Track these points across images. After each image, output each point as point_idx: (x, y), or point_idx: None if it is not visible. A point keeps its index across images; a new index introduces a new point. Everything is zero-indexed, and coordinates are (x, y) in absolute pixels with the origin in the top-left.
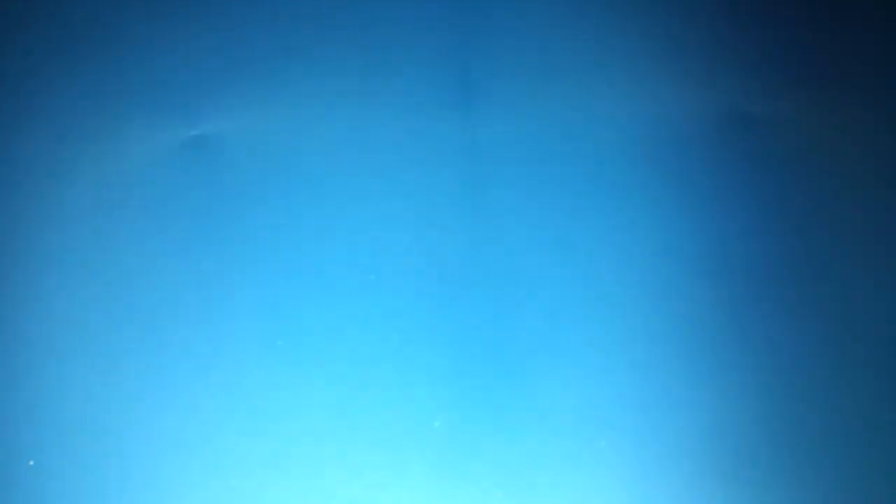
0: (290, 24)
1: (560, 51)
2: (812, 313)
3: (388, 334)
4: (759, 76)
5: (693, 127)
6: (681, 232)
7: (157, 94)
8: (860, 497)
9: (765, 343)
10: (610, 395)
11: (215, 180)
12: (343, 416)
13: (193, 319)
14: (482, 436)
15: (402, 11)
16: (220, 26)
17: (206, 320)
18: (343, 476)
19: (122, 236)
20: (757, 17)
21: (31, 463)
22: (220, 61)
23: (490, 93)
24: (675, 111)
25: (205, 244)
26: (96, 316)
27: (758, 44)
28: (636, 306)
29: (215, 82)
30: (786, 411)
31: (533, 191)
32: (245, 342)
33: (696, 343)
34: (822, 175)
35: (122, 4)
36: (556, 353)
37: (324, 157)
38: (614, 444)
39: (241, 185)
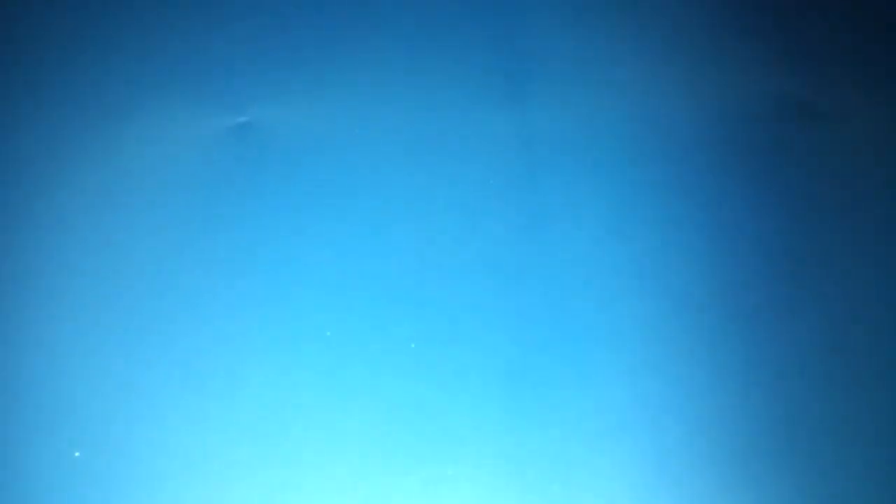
0: (339, 14)
1: (615, 39)
2: (852, 309)
3: (439, 326)
4: (824, 66)
5: (754, 117)
6: (742, 221)
7: (203, 81)
8: (865, 496)
9: (813, 343)
10: (663, 387)
11: (261, 168)
12: (377, 417)
13: (236, 306)
14: (537, 430)
15: (452, 1)
16: (269, 12)
17: (251, 307)
18: (358, 473)
19: (167, 222)
20: (816, 3)
21: (77, 454)
22: (269, 49)
23: (541, 83)
24: (731, 100)
25: (250, 231)
26: (132, 304)
27: (817, 31)
28: (692, 297)
29: (263, 70)
30: (819, 412)
31: (587, 182)
32: (294, 328)
33: (751, 338)
34: (881, 166)
35: None
36: (611, 344)
37: (372, 148)
38: (625, 447)
39: (287, 173)
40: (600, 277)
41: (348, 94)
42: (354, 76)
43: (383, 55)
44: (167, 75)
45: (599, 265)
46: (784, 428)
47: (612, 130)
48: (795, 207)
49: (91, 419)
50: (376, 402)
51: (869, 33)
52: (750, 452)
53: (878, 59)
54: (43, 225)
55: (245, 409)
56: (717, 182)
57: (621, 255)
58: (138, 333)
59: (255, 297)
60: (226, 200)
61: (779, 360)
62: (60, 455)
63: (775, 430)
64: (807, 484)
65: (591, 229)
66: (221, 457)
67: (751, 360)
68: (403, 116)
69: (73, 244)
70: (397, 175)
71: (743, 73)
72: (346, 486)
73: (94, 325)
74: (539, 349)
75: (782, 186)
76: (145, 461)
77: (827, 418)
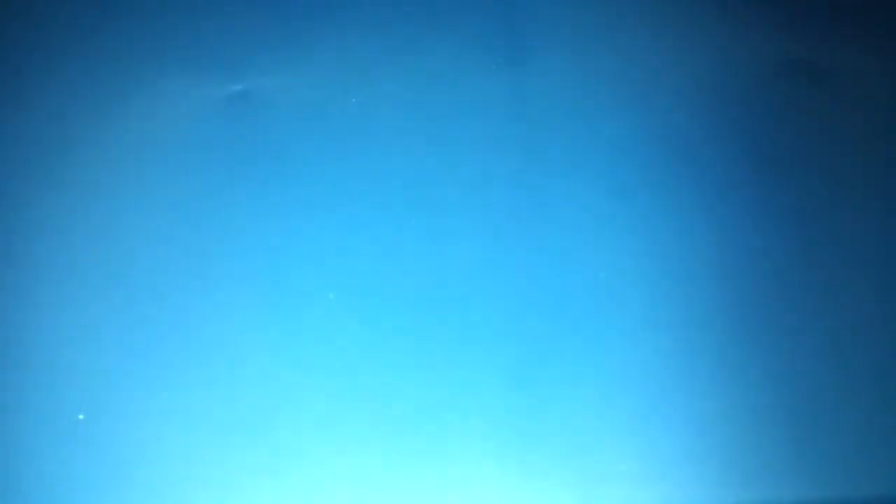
0: None
1: (610, 2)
2: (860, 271)
3: (436, 288)
4: (824, 25)
5: (751, 76)
6: (743, 181)
7: (200, 49)
8: (865, 496)
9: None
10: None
11: (259, 135)
12: (374, 387)
13: (234, 274)
14: (538, 409)
15: None
16: None
17: (249, 274)
18: (355, 468)
19: (163, 190)
20: None
21: (81, 417)
22: (265, 16)
23: (540, 45)
24: (731, 60)
25: (248, 198)
26: (137, 272)
27: None
28: (693, 255)
29: (258, 38)
30: (799, 413)
31: (584, 145)
32: (292, 294)
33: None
34: (879, 125)
35: None
36: (612, 306)
37: (369, 114)
38: (628, 442)
39: (285, 140)
40: (600, 238)
41: (344, 61)
42: (351, 42)
43: (380, 20)
44: (161, 44)
45: (599, 227)
46: (788, 428)
47: (611, 92)
48: (796, 166)
49: (87, 379)
50: (374, 375)
51: None
52: (752, 454)
53: (878, 18)
54: (37, 197)
55: (244, 385)
56: (717, 142)
57: (622, 216)
58: (132, 305)
59: (252, 266)
60: (222, 169)
61: (781, 350)
62: (59, 451)
63: (779, 430)
64: (808, 484)
65: (591, 191)
66: (213, 441)
67: (752, 335)
68: (400, 81)
69: (69, 215)
70: (395, 141)
71: (742, 33)
72: (343, 470)
73: (92, 293)
74: (539, 310)
75: (784, 145)
76: (145, 444)
77: (826, 416)
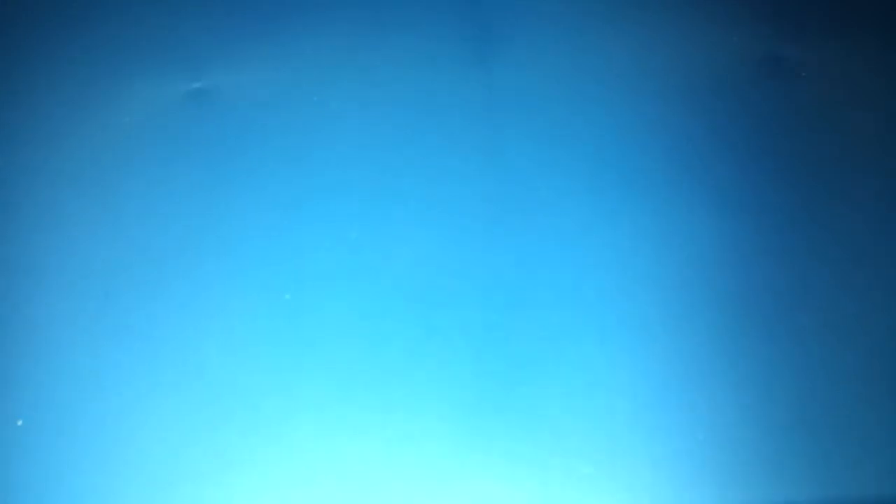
0: None
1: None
2: (850, 274)
3: (399, 287)
4: (804, 21)
5: (728, 73)
6: (710, 177)
7: (157, 47)
8: (865, 496)
9: (796, 339)
10: (629, 358)
11: (219, 134)
12: (347, 375)
13: (195, 271)
14: (490, 450)
15: None
16: None
17: (208, 273)
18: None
19: (124, 189)
20: None
21: (20, 423)
22: (224, 12)
23: (506, 42)
24: (708, 56)
25: (208, 197)
26: (96, 268)
27: None
28: (663, 255)
29: (218, 34)
30: (798, 410)
31: (553, 142)
32: (248, 295)
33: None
34: (859, 121)
35: None
36: (582, 306)
37: (333, 111)
38: (621, 442)
39: (245, 138)
40: (570, 235)
41: (306, 58)
42: (313, 39)
43: (344, 16)
44: (120, 41)
45: (568, 225)
46: (787, 425)
47: (581, 91)
48: (781, 163)
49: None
50: (340, 367)
51: None
52: (756, 452)
53: (860, 15)
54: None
55: (201, 387)
56: (695, 140)
57: (591, 215)
58: (98, 308)
59: (214, 263)
60: (183, 167)
61: (775, 348)
62: (52, 450)
63: (778, 427)
64: (807, 484)
65: (560, 191)
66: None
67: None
68: (364, 79)
69: (30, 220)
70: (358, 138)
71: (720, 29)
72: (311, 446)
73: (58, 298)
74: (508, 312)
75: (768, 143)
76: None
77: (825, 415)
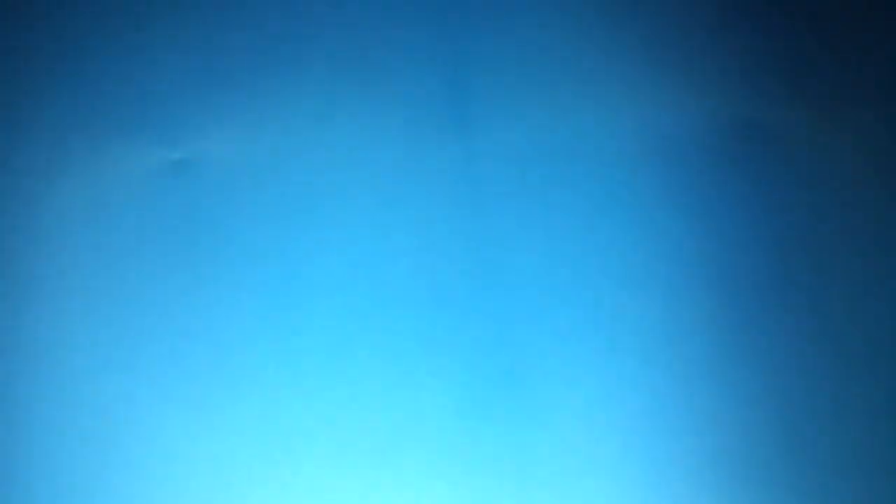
0: (273, 42)
1: (558, 61)
2: (818, 322)
3: (386, 356)
4: (767, 83)
5: (697, 136)
6: (686, 243)
7: (136, 116)
8: (865, 496)
9: (768, 349)
10: (617, 408)
11: (199, 204)
12: (345, 446)
13: (177, 343)
14: (489, 457)
15: (393, 23)
16: (202, 48)
17: (191, 343)
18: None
19: (103, 259)
20: (764, 22)
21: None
22: (203, 83)
23: (486, 105)
24: (679, 119)
25: (189, 268)
26: (78, 336)
27: (765, 50)
28: (641, 316)
29: (198, 103)
30: (790, 415)
31: (532, 204)
32: (232, 366)
33: (699, 351)
34: (831, 185)
35: (100, 25)
36: (563, 369)
37: (312, 178)
38: (618, 448)
39: (226, 208)
40: (548, 302)
41: (286, 125)
42: (293, 106)
43: (322, 83)
44: (99, 110)
45: (547, 289)
46: (782, 431)
47: (557, 154)
48: (752, 228)
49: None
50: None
51: (818, 52)
52: (749, 456)
53: (831, 80)
54: None
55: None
56: (666, 204)
57: (569, 278)
58: (71, 386)
59: (195, 337)
60: (164, 238)
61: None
62: (59, 462)
63: (773, 433)
64: (805, 484)
65: (539, 253)
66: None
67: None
68: (344, 144)
69: (6, 289)
70: (339, 205)
71: (691, 93)
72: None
73: (31, 373)
74: (486, 378)
75: (740, 207)
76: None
77: (824, 417)
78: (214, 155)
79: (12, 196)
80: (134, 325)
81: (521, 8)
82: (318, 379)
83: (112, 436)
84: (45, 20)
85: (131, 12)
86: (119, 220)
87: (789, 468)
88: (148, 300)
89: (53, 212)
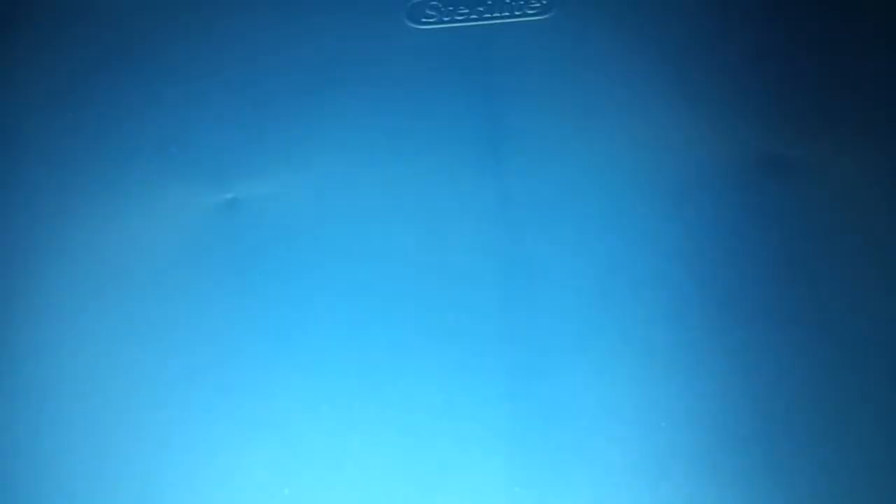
0: (317, 85)
1: (585, 104)
2: (840, 349)
3: (424, 396)
4: (793, 119)
5: (727, 173)
6: (714, 278)
7: (188, 157)
8: (865, 496)
9: (782, 356)
10: (630, 409)
11: (250, 244)
12: (360, 451)
13: (229, 386)
14: (502, 457)
15: (433, 73)
16: (250, 91)
17: (241, 390)
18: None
19: (157, 302)
20: (789, 58)
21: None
22: (253, 123)
23: (519, 149)
24: (707, 157)
25: (241, 308)
26: (119, 386)
27: (792, 86)
28: (671, 348)
29: (248, 145)
30: (799, 416)
31: (565, 242)
32: (278, 408)
33: (713, 362)
34: (856, 221)
35: (152, 68)
36: (603, 408)
37: (355, 218)
38: (631, 448)
39: (276, 247)
40: (587, 339)
41: (334, 167)
42: (341, 149)
43: (362, 124)
44: (151, 153)
45: (586, 325)
46: (781, 429)
47: (590, 193)
48: (774, 262)
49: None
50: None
51: (843, 88)
52: (751, 454)
53: (852, 113)
54: (27, 307)
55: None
56: (698, 239)
57: (607, 316)
58: (120, 435)
59: (248, 376)
60: (215, 278)
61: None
62: (63, 459)
63: (772, 432)
64: (806, 485)
65: (578, 293)
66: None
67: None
68: (384, 185)
69: (59, 325)
70: (381, 243)
71: (718, 130)
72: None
73: (75, 421)
74: (527, 417)
75: (762, 242)
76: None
77: (825, 419)
78: (264, 195)
79: (67, 238)
80: (181, 361)
81: (554, 46)
82: (356, 403)
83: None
84: (97, 56)
85: (184, 52)
86: (171, 258)
87: (797, 466)
88: (198, 338)
89: (105, 251)
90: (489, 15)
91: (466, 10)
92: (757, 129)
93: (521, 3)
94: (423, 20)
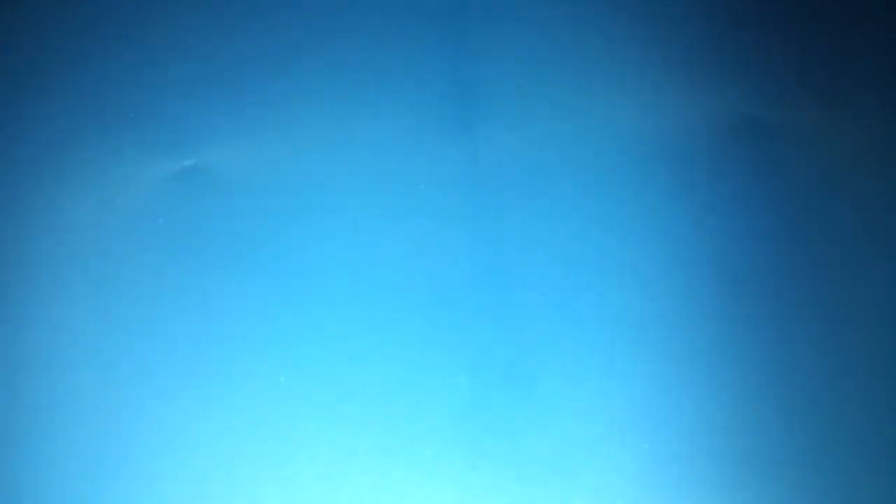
0: (281, 48)
1: (561, 63)
2: (824, 323)
3: (393, 362)
4: (771, 81)
5: (704, 135)
6: (691, 243)
7: (148, 124)
8: (865, 497)
9: (772, 346)
10: (621, 405)
11: (212, 210)
12: (350, 447)
13: (189, 355)
14: (493, 456)
15: (398, 29)
16: (210, 55)
17: (203, 357)
18: (348, 482)
19: (117, 268)
20: (767, 20)
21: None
22: (212, 89)
23: (491, 109)
24: (685, 119)
25: (199, 275)
26: (87, 341)
27: (769, 48)
28: (646, 317)
29: (207, 111)
30: (795, 414)
31: (538, 207)
32: (243, 375)
33: (703, 349)
34: (836, 182)
35: (110, 31)
36: (570, 371)
37: (321, 183)
38: (621, 446)
39: (236, 214)
40: (553, 302)
41: (295, 131)
42: (301, 112)
43: (329, 90)
44: (110, 119)
45: (552, 289)
46: (783, 429)
47: (563, 157)
48: (753, 225)
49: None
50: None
51: (822, 49)
52: (748, 454)
53: (833, 74)
54: None
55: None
56: (675, 204)
57: (574, 278)
58: (91, 395)
59: (205, 341)
60: (174, 244)
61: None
62: (62, 458)
63: (774, 431)
64: (807, 485)
65: (544, 253)
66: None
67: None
68: (351, 151)
69: (17, 293)
70: (347, 211)
71: (698, 93)
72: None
73: (47, 384)
74: (494, 390)
75: (739, 204)
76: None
77: (826, 420)
78: (224, 161)
79: (22, 201)
80: (143, 329)
81: (523, 11)
82: (324, 379)
83: (119, 438)
84: (56, 25)
85: (141, 19)
86: (131, 223)
87: (794, 466)
88: (158, 303)
89: (64, 216)
90: None
91: None
92: (736, 91)
93: None
94: None
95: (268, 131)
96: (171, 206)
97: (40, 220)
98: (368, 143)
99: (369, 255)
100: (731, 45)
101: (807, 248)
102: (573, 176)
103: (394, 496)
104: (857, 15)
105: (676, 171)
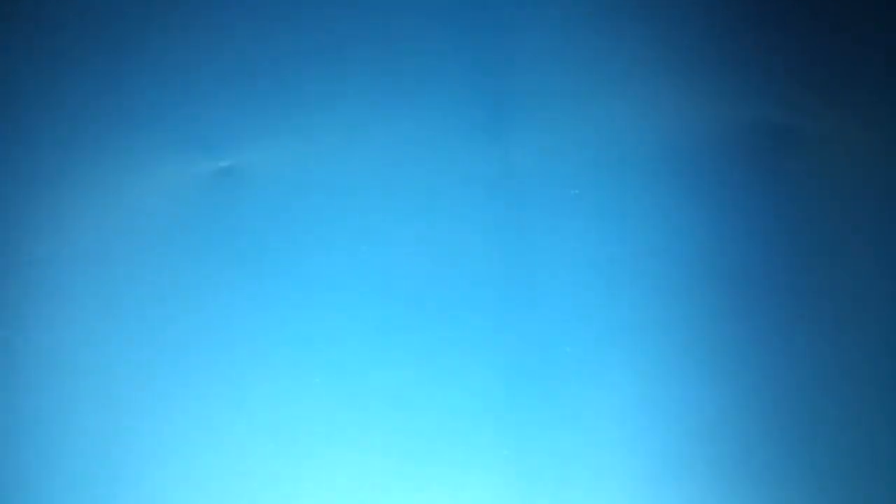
0: (314, 53)
1: (590, 70)
2: (848, 330)
3: (421, 364)
4: (789, 87)
5: (729, 141)
6: (715, 247)
7: (184, 126)
8: (866, 497)
9: (794, 350)
10: (645, 406)
11: (245, 212)
12: (376, 447)
13: (222, 351)
14: (519, 458)
15: (430, 37)
16: (246, 60)
17: (236, 358)
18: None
19: (151, 269)
20: (786, 27)
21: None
22: (249, 92)
23: (522, 116)
24: (708, 125)
25: (235, 276)
26: (120, 344)
27: (788, 54)
28: (672, 320)
29: (244, 113)
30: (816, 416)
31: (567, 212)
32: (275, 376)
33: (727, 353)
34: (854, 188)
35: (147, 37)
36: (599, 378)
37: (354, 186)
38: (648, 448)
39: (271, 216)
40: (580, 305)
41: (330, 135)
42: (336, 116)
43: (361, 92)
44: (147, 121)
45: (580, 292)
46: (784, 429)
47: (592, 163)
48: (775, 230)
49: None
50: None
51: (844, 56)
52: (751, 453)
53: (853, 82)
54: (25, 274)
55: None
56: (699, 210)
57: (602, 282)
58: (118, 386)
59: (241, 343)
60: (209, 245)
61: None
62: (65, 463)
63: (776, 431)
64: (808, 485)
65: (572, 256)
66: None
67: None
68: (385, 155)
69: (56, 292)
70: (380, 214)
71: (718, 99)
72: (348, 489)
73: (80, 386)
74: (524, 389)
75: (761, 212)
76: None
77: (828, 419)
78: (260, 163)
79: (60, 204)
80: (175, 330)
81: (555, 19)
82: (354, 381)
83: (140, 439)
84: (94, 32)
85: (179, 27)
86: (169, 225)
87: (798, 471)
88: (193, 304)
89: (104, 220)
90: None
91: None
92: (759, 98)
93: None
94: None
95: (303, 133)
96: (207, 207)
97: (77, 223)
98: (400, 147)
99: (400, 257)
100: (751, 51)
101: (820, 253)
102: (600, 183)
103: (421, 498)
104: (867, 20)
105: (703, 175)
